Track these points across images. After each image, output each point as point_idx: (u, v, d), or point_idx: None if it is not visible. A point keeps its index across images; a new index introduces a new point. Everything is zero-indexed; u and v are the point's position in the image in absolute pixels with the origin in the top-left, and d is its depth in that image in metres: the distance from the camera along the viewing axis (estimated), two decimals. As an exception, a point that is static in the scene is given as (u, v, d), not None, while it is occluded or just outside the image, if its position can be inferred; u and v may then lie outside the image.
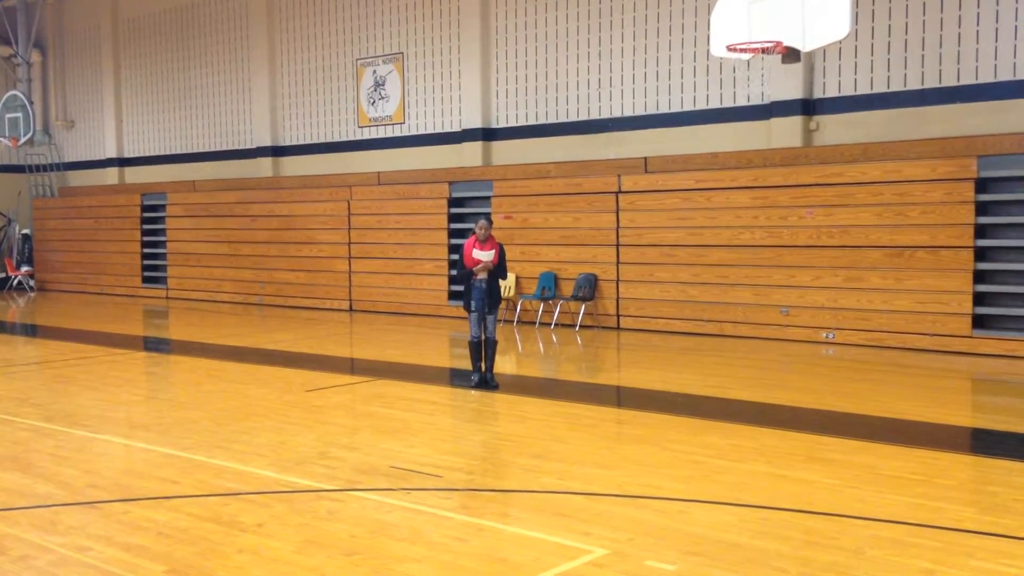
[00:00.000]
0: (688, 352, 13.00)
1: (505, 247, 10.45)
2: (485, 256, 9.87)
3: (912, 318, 12.65)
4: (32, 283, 25.51)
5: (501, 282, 10.36)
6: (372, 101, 19.93)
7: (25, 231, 26.11)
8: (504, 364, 11.91)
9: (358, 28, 20.02)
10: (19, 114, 24.57)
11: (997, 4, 12.82)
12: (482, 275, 9.93)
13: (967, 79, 13.12)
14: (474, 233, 10.01)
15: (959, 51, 13.15)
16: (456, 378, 11.15)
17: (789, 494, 6.25)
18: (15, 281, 25.58)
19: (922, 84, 13.48)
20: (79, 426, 8.56)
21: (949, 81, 13.25)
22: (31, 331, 17.54)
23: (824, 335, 13.34)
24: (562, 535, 5.46)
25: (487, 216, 10.17)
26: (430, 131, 19.06)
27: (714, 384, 10.46)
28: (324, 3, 20.57)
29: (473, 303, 10.00)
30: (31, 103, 24.81)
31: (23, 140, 24.59)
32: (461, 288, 10.18)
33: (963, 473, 7.11)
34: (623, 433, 8.51)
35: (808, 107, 14.40)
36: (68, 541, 5.47)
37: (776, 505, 6.00)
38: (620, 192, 15.31)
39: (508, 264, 10.92)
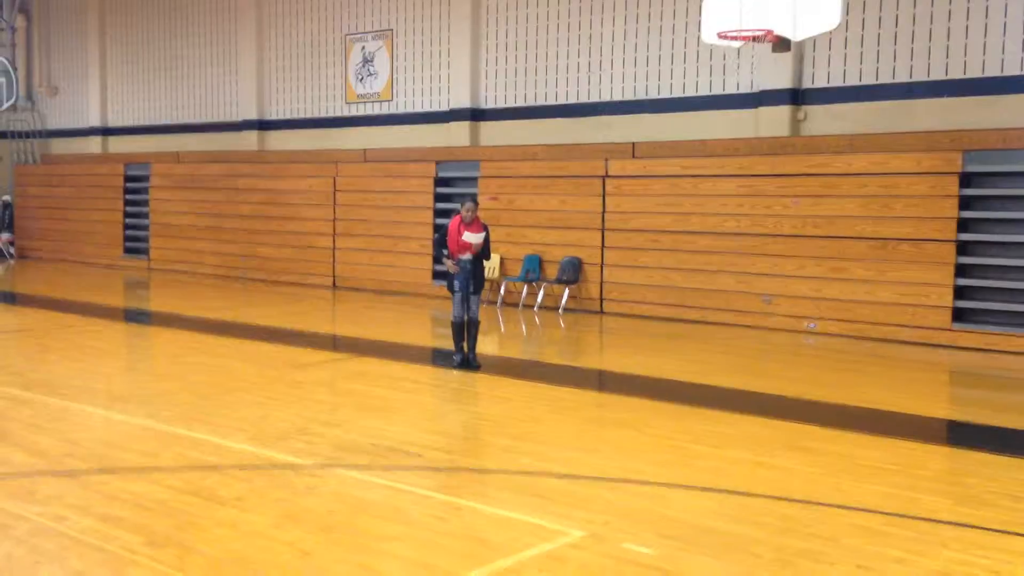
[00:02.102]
0: (670, 338, 13.04)
1: (491, 228, 10.42)
2: (475, 239, 9.83)
3: (893, 310, 12.73)
4: (12, 251, 25.27)
5: (485, 263, 10.35)
6: (360, 77, 19.80)
7: (6, 198, 25.84)
8: (486, 345, 11.92)
9: (348, 3, 19.85)
10: (2, 79, 24.26)
11: (988, -1, 12.85)
12: (466, 255, 9.90)
13: (955, 73, 13.15)
14: (459, 213, 9.98)
15: (948, 45, 13.19)
16: (438, 357, 11.15)
17: (767, 481, 6.30)
18: (-5, 248, 25.34)
19: (910, 77, 13.51)
20: (57, 395, 8.51)
21: (937, 75, 13.29)
22: (10, 299, 17.39)
23: (806, 324, 13.41)
24: (540, 516, 5.48)
25: (473, 198, 10.14)
26: (418, 109, 18.95)
27: (695, 370, 10.51)
28: (314, -24, 20.37)
29: (457, 283, 9.98)
30: (15, 68, 24.50)
31: (6, 106, 24.30)
32: (446, 269, 10.15)
33: (939, 464, 7.18)
34: (603, 417, 8.54)
35: (796, 97, 14.41)
36: (45, 511, 5.44)
37: (754, 491, 6.05)
38: (607, 176, 15.30)
39: (493, 245, 10.89)
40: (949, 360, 11.71)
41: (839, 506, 5.79)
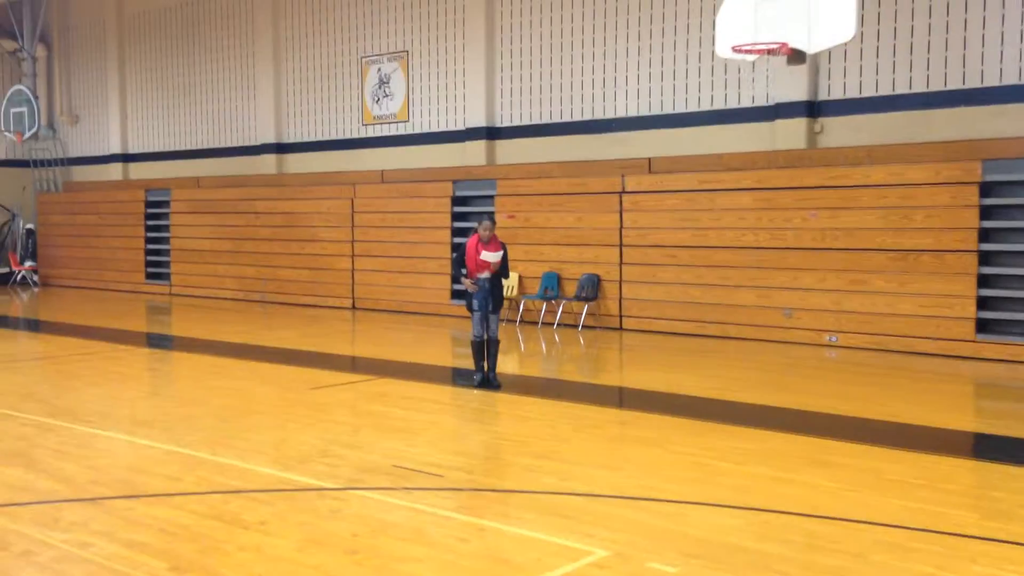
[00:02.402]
0: (691, 354, 12.99)
1: (508, 247, 10.44)
2: (493, 258, 9.85)
3: (916, 322, 12.63)
4: (36, 278, 25.53)
5: (504, 281, 10.35)
6: (376, 99, 19.93)
7: (29, 226, 26.12)
8: (506, 364, 11.91)
9: (363, 26, 20.02)
10: (24, 108, 24.57)
11: (1003, 7, 12.80)
12: (484, 274, 9.92)
13: (972, 83, 13.09)
14: (476, 232, 10.00)
15: (964, 54, 13.14)
16: (458, 377, 11.15)
17: (791, 497, 6.25)
18: (19, 276, 25.60)
19: (927, 87, 13.46)
20: (82, 422, 8.57)
21: (954, 84, 13.23)
22: (34, 326, 17.55)
23: (827, 338, 13.33)
24: (563, 536, 5.46)
25: (491, 216, 10.16)
26: (434, 129, 19.05)
27: (716, 386, 10.46)
28: (329, 0, 20.57)
29: (476, 303, 9.99)
30: (36, 98, 24.82)
31: (28, 135, 24.58)
32: (464, 288, 10.18)
33: (966, 478, 7.10)
34: (625, 434, 8.50)
35: (812, 109, 14.38)
36: (70, 537, 5.47)
37: (778, 508, 6.00)
38: (624, 192, 15.30)
39: (511, 264, 10.90)
40: (973, 372, 11.59)
41: (865, 522, 5.73)
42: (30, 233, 25.96)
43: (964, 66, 13.14)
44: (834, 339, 13.25)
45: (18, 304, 21.36)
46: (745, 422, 8.51)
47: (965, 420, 9.42)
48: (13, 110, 24.75)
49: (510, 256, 10.61)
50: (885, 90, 13.80)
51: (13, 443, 7.77)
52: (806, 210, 13.49)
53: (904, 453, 7.39)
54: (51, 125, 26.78)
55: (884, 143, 13.65)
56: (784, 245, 13.69)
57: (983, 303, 12.29)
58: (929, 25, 13.36)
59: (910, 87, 13.59)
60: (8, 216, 26.65)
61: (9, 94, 24.98)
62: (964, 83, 13.15)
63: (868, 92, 13.96)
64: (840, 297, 13.23)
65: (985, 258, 12.28)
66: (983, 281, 12.28)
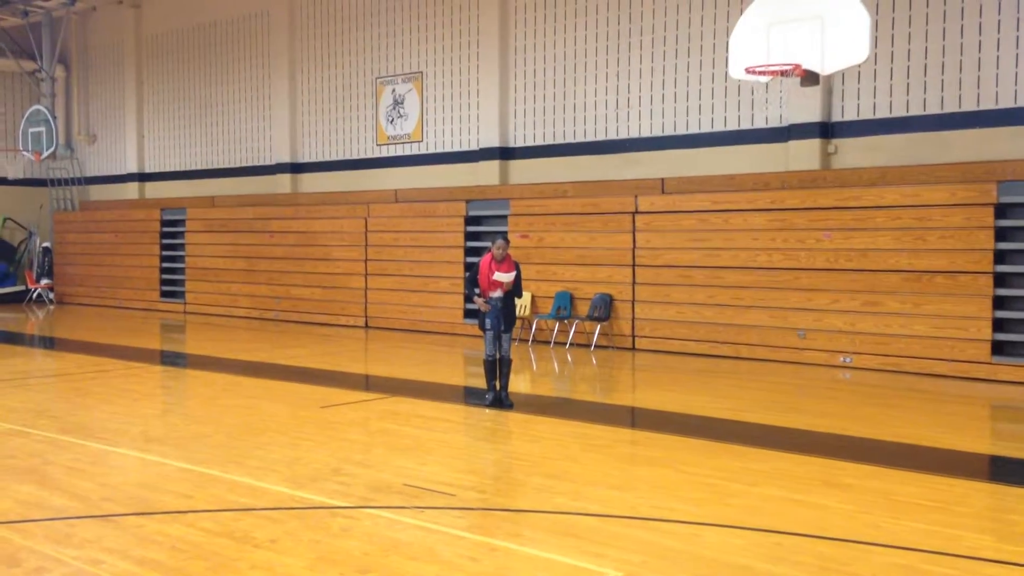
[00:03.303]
0: (703, 374, 12.95)
1: (521, 266, 10.46)
2: (506, 278, 9.87)
3: (930, 343, 12.57)
4: (52, 296, 25.71)
5: (517, 301, 10.37)
6: (391, 119, 20.05)
7: (46, 244, 26.34)
8: (519, 383, 11.90)
9: (378, 47, 20.18)
10: (42, 128, 24.83)
11: (1017, 29, 12.80)
12: (497, 293, 9.94)
13: (987, 104, 13.08)
14: (490, 251, 10.02)
15: (979, 76, 13.13)
16: (470, 396, 11.14)
17: (803, 519, 6.21)
18: (35, 294, 25.79)
19: (942, 109, 13.45)
20: (95, 439, 8.60)
21: (969, 106, 13.22)
22: (49, 344, 17.66)
23: (841, 359, 13.27)
24: (575, 556, 5.44)
25: (504, 236, 10.19)
26: (448, 149, 19.14)
27: (729, 407, 10.41)
28: (345, 22, 20.75)
29: (488, 322, 10.01)
30: (54, 118, 25.08)
31: (46, 154, 24.83)
32: (476, 307, 10.19)
33: (980, 501, 7.03)
34: (637, 454, 8.47)
35: (826, 130, 14.39)
36: (82, 554, 5.49)
37: (790, 530, 5.96)
38: (637, 212, 15.32)
39: (524, 283, 10.92)
40: (989, 394, 11.51)
41: (878, 544, 5.68)
42: (46, 251, 26.17)
43: (979, 87, 13.13)
44: (848, 360, 13.19)
45: (34, 322, 21.50)
46: (757, 443, 8.47)
47: (980, 442, 9.35)
48: (32, 130, 25.02)
49: (523, 276, 10.62)
50: (899, 111, 13.80)
51: (27, 460, 7.81)
52: (820, 231, 13.47)
53: (918, 475, 7.34)
54: (69, 145, 27.05)
55: (898, 164, 13.63)
56: (798, 266, 13.66)
57: (999, 325, 12.22)
58: (944, 46, 13.37)
59: (925, 108, 13.58)
60: (25, 234, 26.88)
61: (28, 114, 25.26)
62: (979, 104, 13.14)
63: (882, 113, 13.96)
64: (854, 318, 13.17)
65: (1001, 280, 12.22)
66: (999, 303, 12.22)
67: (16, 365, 14.15)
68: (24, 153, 25.25)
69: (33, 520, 6.16)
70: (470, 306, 16.84)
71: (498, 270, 9.89)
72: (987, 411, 10.98)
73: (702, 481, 7.19)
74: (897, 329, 12.81)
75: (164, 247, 23.41)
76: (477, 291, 10.05)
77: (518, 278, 10.04)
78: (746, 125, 15.25)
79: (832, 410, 10.33)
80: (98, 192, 26.74)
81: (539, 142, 17.76)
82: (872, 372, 12.81)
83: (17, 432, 8.88)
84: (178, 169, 24.68)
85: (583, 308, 15.71)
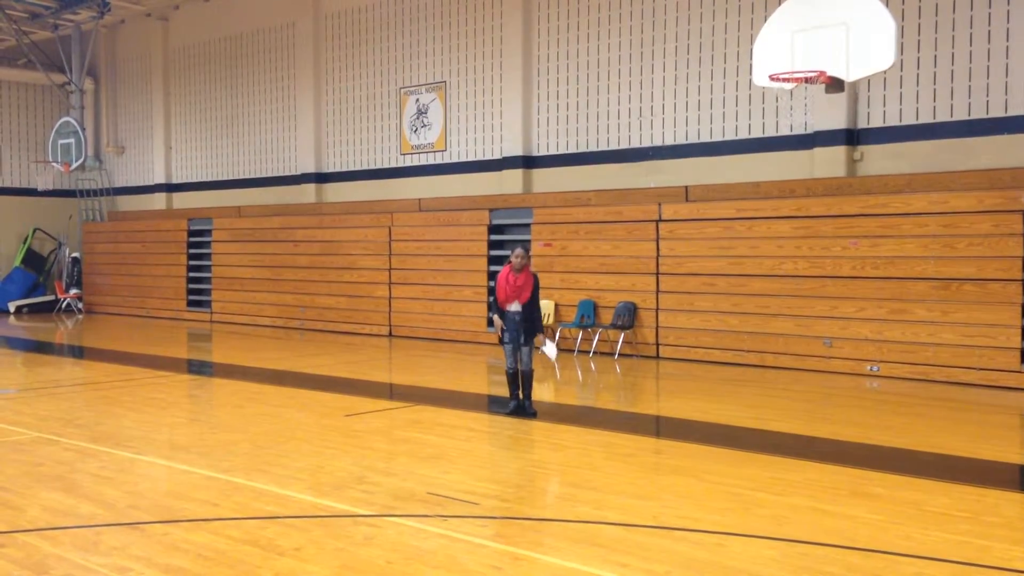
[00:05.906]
0: (728, 382, 12.87)
1: (545, 274, 10.45)
2: (514, 308, 9.91)
3: (959, 352, 12.43)
4: (80, 305, 25.99)
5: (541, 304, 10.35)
6: (414, 128, 20.14)
7: (75, 254, 26.66)
8: (542, 392, 11.88)
9: (402, 57, 20.28)
10: (71, 140, 25.14)
11: (1046, 34, 12.67)
12: (515, 306, 9.93)
13: (1015, 110, 12.94)
14: (509, 262, 10.02)
15: (1007, 82, 13.00)
16: (494, 405, 11.14)
17: (831, 529, 6.14)
18: (64, 303, 26.08)
19: (968, 115, 13.33)
20: (122, 447, 8.67)
21: (996, 112, 13.09)
22: (78, 353, 17.84)
23: (868, 368, 13.14)
24: (598, 566, 5.41)
25: (524, 245, 10.16)
26: (471, 158, 19.19)
27: (754, 415, 10.34)
28: (369, 33, 20.88)
29: (507, 335, 10.00)
30: (83, 129, 25.39)
31: (75, 165, 25.13)
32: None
33: (1011, 511, 6.93)
34: (661, 463, 8.43)
35: (852, 137, 14.29)
36: (110, 562, 5.53)
37: (817, 540, 5.90)
38: (660, 220, 15.27)
39: (546, 292, 10.91)
40: (1019, 402, 11.36)
41: (907, 555, 5.61)
42: (75, 261, 26.48)
43: (1007, 93, 13.00)
44: (876, 369, 13.07)
45: (63, 331, 21.74)
46: (783, 452, 8.40)
47: (1010, 452, 9.22)
48: (61, 141, 25.34)
49: (546, 284, 10.61)
50: (926, 118, 13.69)
51: (55, 467, 7.89)
52: (846, 238, 13.37)
53: (947, 485, 7.25)
54: (97, 156, 27.37)
55: (925, 171, 13.51)
56: (823, 273, 13.56)
57: (1029, 333, 12.06)
58: (970, 52, 13.26)
59: (951, 115, 13.47)
60: (55, 245, 27.21)
61: (57, 126, 25.58)
62: (1006, 111, 13.01)
63: (908, 120, 13.85)
64: (881, 326, 13.05)
65: (1030, 287, 12.07)
66: (1028, 310, 12.06)
67: (46, 374, 14.30)
68: (54, 165, 25.58)
69: (61, 528, 6.22)
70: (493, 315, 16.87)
71: (515, 282, 9.88)
72: (1017, 420, 10.83)
73: (728, 490, 7.14)
74: (925, 337, 12.68)
75: (191, 257, 23.62)
76: (491, 315, 10.10)
77: (535, 292, 10.00)
78: (771, 132, 15.18)
79: (859, 419, 10.23)
80: (126, 203, 27.03)
81: (562, 150, 17.77)
82: (900, 381, 12.68)
83: (46, 440, 8.97)
84: (205, 180, 24.90)
85: (607, 316, 15.67)
